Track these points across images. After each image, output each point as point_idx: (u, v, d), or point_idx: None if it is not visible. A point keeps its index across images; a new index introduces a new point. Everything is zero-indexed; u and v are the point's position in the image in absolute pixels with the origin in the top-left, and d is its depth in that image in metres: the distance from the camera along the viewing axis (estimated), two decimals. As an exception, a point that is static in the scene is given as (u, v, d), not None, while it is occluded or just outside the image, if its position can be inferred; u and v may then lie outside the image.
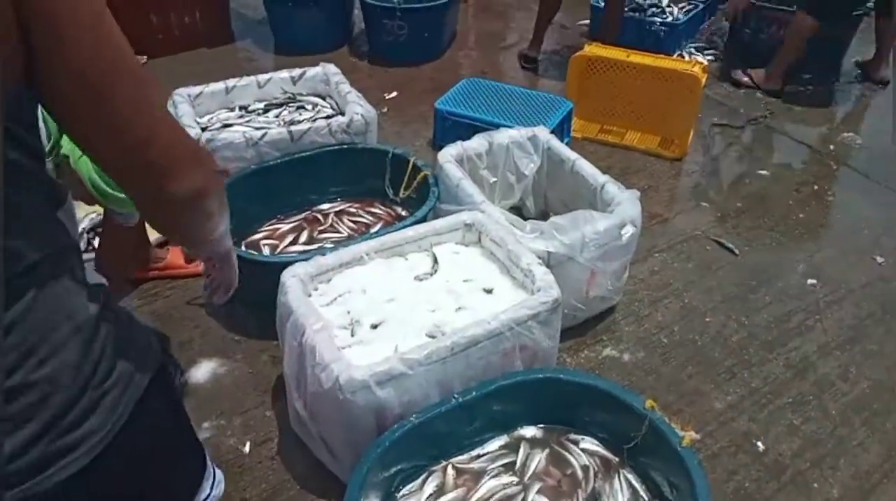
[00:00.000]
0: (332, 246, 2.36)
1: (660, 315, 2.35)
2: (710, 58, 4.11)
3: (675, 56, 3.91)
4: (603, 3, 3.81)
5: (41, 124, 1.46)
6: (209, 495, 1.17)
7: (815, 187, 3.05)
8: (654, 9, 4.11)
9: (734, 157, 3.25)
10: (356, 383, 1.49)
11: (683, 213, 2.85)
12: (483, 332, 1.62)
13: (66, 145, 1.62)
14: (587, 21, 4.41)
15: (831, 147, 3.35)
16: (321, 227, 2.47)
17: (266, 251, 2.35)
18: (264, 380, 2.07)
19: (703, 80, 3.02)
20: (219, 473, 1.24)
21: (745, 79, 3.78)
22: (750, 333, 2.30)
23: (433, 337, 1.65)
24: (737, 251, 2.64)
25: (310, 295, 1.77)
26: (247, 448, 1.86)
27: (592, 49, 3.20)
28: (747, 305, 2.41)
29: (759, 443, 1.94)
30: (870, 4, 3.77)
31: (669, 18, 4.05)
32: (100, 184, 1.68)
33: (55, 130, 1.61)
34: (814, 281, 2.52)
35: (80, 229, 2.36)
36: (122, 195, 1.60)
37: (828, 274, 2.55)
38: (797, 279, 2.53)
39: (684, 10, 4.14)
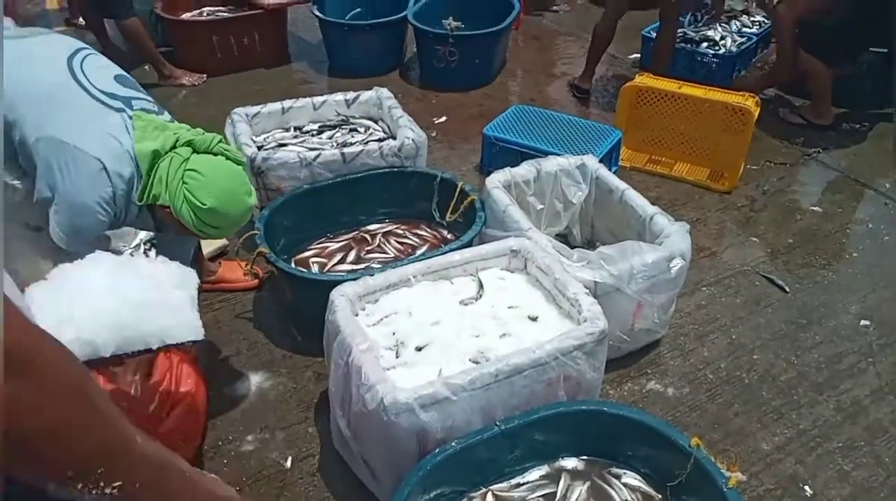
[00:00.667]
0: (378, 266, 2.39)
1: (706, 350, 2.32)
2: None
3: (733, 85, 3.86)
4: (654, 35, 3.82)
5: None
6: None
7: (870, 226, 2.98)
8: (706, 42, 4.09)
9: (786, 193, 3.19)
10: (400, 405, 1.50)
11: (732, 247, 2.81)
12: (527, 361, 1.62)
13: (156, 188, 1.73)
14: (638, 55, 4.40)
15: (887, 185, 3.27)
16: (368, 247, 2.51)
17: (315, 269, 2.40)
18: (308, 396, 2.10)
19: (756, 114, 2.99)
20: None
21: (797, 119, 3.72)
22: (799, 373, 2.24)
23: (477, 362, 1.66)
24: (787, 288, 2.58)
25: (357, 315, 1.79)
26: (288, 463, 1.89)
27: (643, 79, 3.20)
28: (797, 344, 2.36)
29: (807, 488, 1.88)
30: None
31: (722, 51, 4.03)
32: (201, 229, 1.78)
33: (144, 172, 1.71)
34: (867, 322, 2.45)
35: (138, 240, 2.44)
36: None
37: (882, 316, 2.47)
38: (850, 319, 2.47)
39: (737, 42, 4.11)
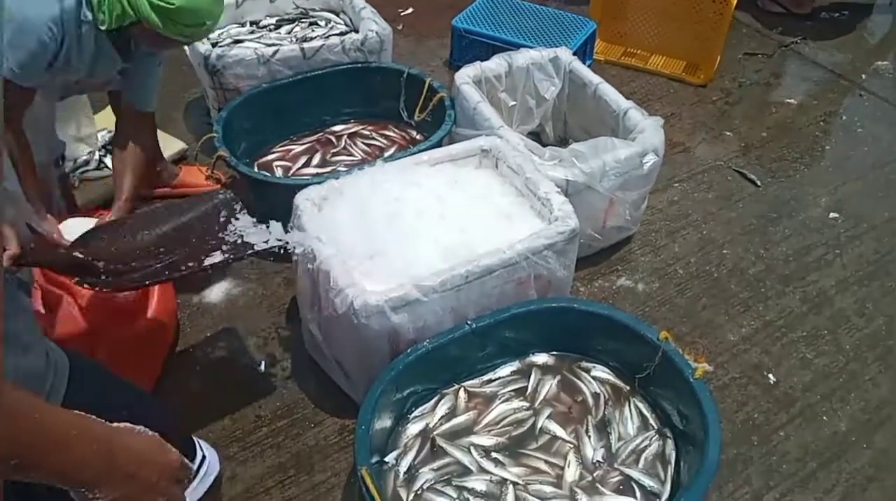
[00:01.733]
0: (345, 169, 2.32)
1: (677, 246, 2.32)
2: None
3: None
4: None
5: None
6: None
7: (844, 118, 2.95)
8: None
9: (761, 85, 3.13)
10: (371, 308, 1.48)
11: (706, 142, 2.77)
12: (498, 261, 1.60)
13: (116, 7, 1.61)
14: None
15: (863, 76, 3.21)
16: (334, 150, 2.43)
17: (279, 173, 2.32)
18: (278, 302, 2.08)
19: (734, 2, 2.88)
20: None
21: (776, 8, 3.58)
22: (767, 266, 2.27)
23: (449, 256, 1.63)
24: (759, 182, 2.58)
25: (323, 218, 1.74)
26: (262, 368, 1.89)
27: (619, -34, 3.04)
28: (766, 238, 2.37)
29: (771, 376, 1.94)
30: None
31: None
32: (176, 32, 1.65)
33: None
34: (836, 214, 2.47)
35: (96, 146, 2.33)
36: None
37: (851, 209, 2.49)
38: (819, 212, 2.48)
39: None
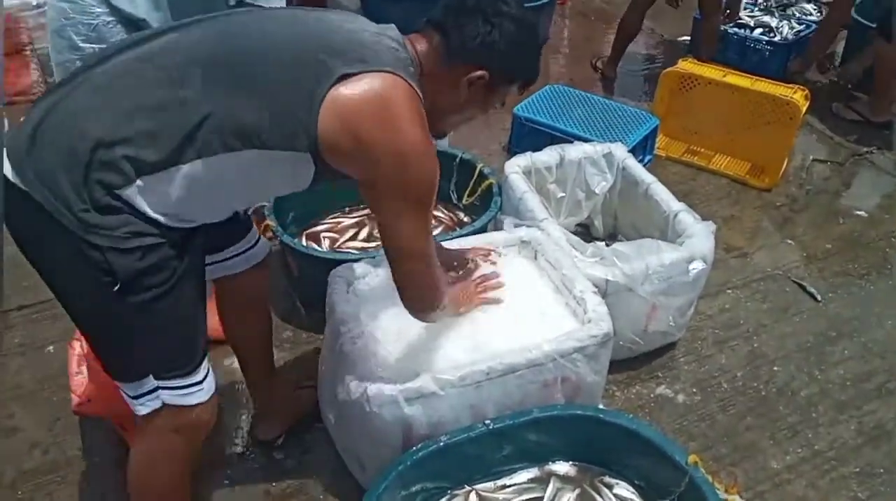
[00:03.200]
0: (390, 245, 2.34)
1: (724, 357, 2.21)
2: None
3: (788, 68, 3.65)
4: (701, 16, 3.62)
5: None
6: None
7: (919, 236, 2.80)
8: (761, 28, 3.86)
9: (830, 193, 3.01)
10: (384, 397, 1.45)
11: (765, 249, 2.67)
12: (523, 361, 1.55)
13: None
14: (689, 37, 4.18)
15: (943, 192, 3.06)
16: (382, 225, 2.45)
17: (326, 244, 2.35)
18: (312, 373, 2.06)
19: (804, 108, 2.81)
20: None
21: (852, 115, 3.49)
22: (822, 389, 2.12)
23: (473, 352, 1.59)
24: (819, 297, 2.44)
25: (354, 298, 1.73)
26: (279, 441, 1.86)
27: (686, 65, 3.03)
28: (823, 358, 2.22)
29: (816, 513, 1.78)
30: None
31: (777, 38, 3.80)
32: None
33: None
34: (902, 339, 2.31)
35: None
36: None
37: (920, 335, 2.32)
38: (883, 335, 2.32)
39: (794, 30, 3.87)
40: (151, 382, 1.25)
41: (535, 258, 1.93)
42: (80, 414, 1.70)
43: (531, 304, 1.72)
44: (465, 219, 2.47)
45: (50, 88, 1.23)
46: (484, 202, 2.37)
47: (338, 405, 1.60)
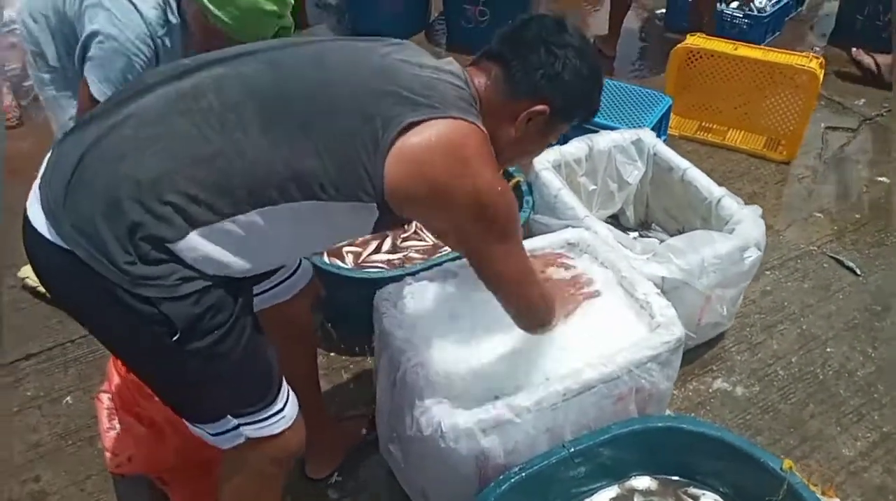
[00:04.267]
0: (416, 254, 2.23)
1: (775, 342, 2.13)
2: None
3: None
4: None
5: None
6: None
7: (944, 197, 2.75)
8: (737, 1, 3.70)
9: (850, 161, 2.95)
10: (460, 431, 1.34)
11: (795, 225, 2.60)
12: (598, 376, 1.44)
13: None
14: (664, 10, 4.07)
15: (959, 151, 3.02)
16: (405, 234, 2.33)
17: (349, 259, 2.22)
18: (347, 398, 1.95)
19: (821, 77, 2.74)
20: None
21: (867, 59, 3.39)
22: (878, 367, 2.06)
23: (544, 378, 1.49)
24: (858, 271, 2.38)
25: (403, 321, 1.61)
26: (334, 477, 1.75)
27: (695, 40, 2.94)
28: (873, 334, 2.17)
29: (897, 501, 1.72)
30: None
31: (754, 11, 3.65)
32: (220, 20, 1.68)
33: None
34: (948, 307, 2.25)
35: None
36: None
37: (965, 302, 2.27)
38: (929, 305, 2.27)
39: (772, 1, 3.69)
40: (231, 421, 1.17)
41: (582, 257, 1.83)
42: (119, 474, 1.56)
43: (597, 310, 1.61)
44: (491, 220, 2.36)
45: (79, 122, 1.10)
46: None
47: (404, 439, 1.49)
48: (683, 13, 3.69)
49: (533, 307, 1.34)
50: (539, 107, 1.20)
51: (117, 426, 1.57)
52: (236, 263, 1.07)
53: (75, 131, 1.07)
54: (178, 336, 1.03)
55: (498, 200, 1.14)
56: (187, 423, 1.20)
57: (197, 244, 1.02)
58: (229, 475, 1.29)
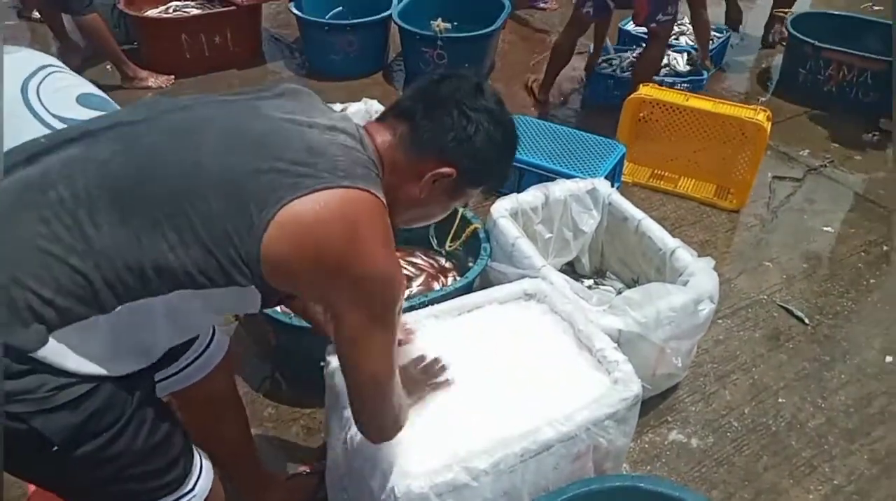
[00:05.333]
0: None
1: (728, 393, 2.14)
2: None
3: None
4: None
5: None
6: None
7: (885, 248, 2.84)
8: (665, 69, 3.65)
9: (796, 211, 3.03)
10: (414, 496, 1.29)
11: (746, 274, 2.64)
12: (556, 435, 1.41)
13: None
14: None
15: (898, 203, 3.13)
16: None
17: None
18: (297, 454, 1.88)
19: (769, 129, 2.82)
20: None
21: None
22: (828, 419, 2.08)
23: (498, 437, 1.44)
24: (807, 320, 2.43)
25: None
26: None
27: (648, 91, 3.01)
28: (822, 385, 2.20)
29: (851, 557, 1.73)
30: None
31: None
32: None
33: None
34: (892, 358, 2.30)
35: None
36: None
37: (908, 352, 2.33)
38: (874, 355, 2.31)
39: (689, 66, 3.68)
40: None
41: (538, 307, 1.81)
42: None
43: (553, 366, 1.59)
44: (447, 265, 2.33)
45: None
46: (466, 247, 2.25)
47: (355, 503, 1.42)
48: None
49: (381, 420, 1.19)
50: (445, 170, 1.14)
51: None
52: (111, 363, 0.98)
53: None
54: (56, 448, 0.94)
55: (389, 285, 1.05)
56: None
57: (59, 350, 0.92)
58: None
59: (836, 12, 4.21)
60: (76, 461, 0.97)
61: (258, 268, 0.97)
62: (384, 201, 1.07)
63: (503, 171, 1.26)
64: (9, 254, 0.92)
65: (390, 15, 3.77)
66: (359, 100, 2.68)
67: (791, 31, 3.90)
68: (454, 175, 1.14)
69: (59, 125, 1.50)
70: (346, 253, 0.99)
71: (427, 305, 1.77)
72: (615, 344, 1.64)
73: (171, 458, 1.11)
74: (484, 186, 1.25)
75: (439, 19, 3.77)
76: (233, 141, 1.01)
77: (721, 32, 4.07)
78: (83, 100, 1.61)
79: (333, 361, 1.54)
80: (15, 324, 0.89)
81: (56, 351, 0.92)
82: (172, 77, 3.72)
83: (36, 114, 1.49)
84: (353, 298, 1.02)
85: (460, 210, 2.25)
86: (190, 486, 1.14)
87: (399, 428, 1.24)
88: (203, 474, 1.17)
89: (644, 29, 3.41)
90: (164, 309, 0.99)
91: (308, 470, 1.78)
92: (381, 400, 1.15)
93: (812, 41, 3.79)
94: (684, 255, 2.02)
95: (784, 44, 4.17)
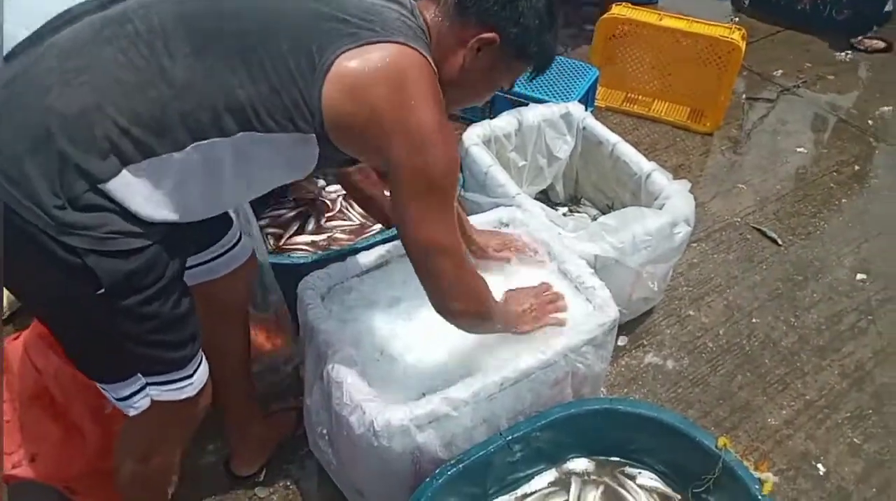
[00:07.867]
0: (342, 235, 2.13)
1: (703, 315, 2.16)
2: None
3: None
4: None
5: None
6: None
7: (857, 167, 2.85)
8: None
9: (769, 132, 3.01)
10: (394, 428, 1.27)
11: (719, 197, 2.63)
12: (535, 363, 1.40)
13: None
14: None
15: (869, 122, 3.12)
16: (329, 214, 2.22)
17: (270, 243, 2.10)
18: (276, 392, 1.85)
19: (743, 48, 2.76)
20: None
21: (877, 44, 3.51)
22: (800, 337, 2.12)
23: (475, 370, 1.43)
24: (779, 241, 2.44)
25: (330, 312, 1.53)
26: (262, 475, 1.66)
27: (621, 10, 2.91)
28: (795, 304, 2.22)
29: (820, 466, 1.78)
30: None
31: None
32: None
33: None
34: (863, 275, 2.34)
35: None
36: None
37: (878, 269, 2.36)
38: (845, 273, 2.34)
39: None
40: (140, 380, 1.11)
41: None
42: (9, 480, 1.41)
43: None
44: (420, 198, 2.28)
45: (4, 57, 0.99)
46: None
47: (335, 437, 1.41)
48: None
49: (455, 291, 1.17)
50: (489, 35, 1.13)
51: (19, 418, 1.41)
52: (174, 205, 1.01)
53: None
54: (102, 291, 0.98)
55: (440, 144, 1.05)
56: (98, 384, 1.14)
57: (130, 182, 0.96)
58: (128, 438, 1.27)
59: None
60: (113, 310, 1.01)
61: (318, 112, 1.01)
62: (434, 68, 1.09)
63: (546, 44, 1.21)
64: (89, 85, 0.94)
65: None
66: None
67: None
68: (497, 41, 1.13)
69: None
70: (397, 104, 1.02)
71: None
72: (592, 270, 1.62)
73: (187, 335, 1.14)
74: (528, 60, 1.22)
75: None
76: None
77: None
78: None
79: (306, 297, 1.50)
80: (92, 152, 0.93)
81: (125, 186, 0.95)
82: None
83: None
84: (404, 157, 1.04)
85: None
86: (191, 371, 1.17)
87: (483, 304, 1.24)
88: (201, 367, 1.20)
89: None
90: (233, 155, 1.02)
91: (288, 406, 1.77)
92: (452, 268, 1.15)
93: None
94: (660, 178, 1.99)
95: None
